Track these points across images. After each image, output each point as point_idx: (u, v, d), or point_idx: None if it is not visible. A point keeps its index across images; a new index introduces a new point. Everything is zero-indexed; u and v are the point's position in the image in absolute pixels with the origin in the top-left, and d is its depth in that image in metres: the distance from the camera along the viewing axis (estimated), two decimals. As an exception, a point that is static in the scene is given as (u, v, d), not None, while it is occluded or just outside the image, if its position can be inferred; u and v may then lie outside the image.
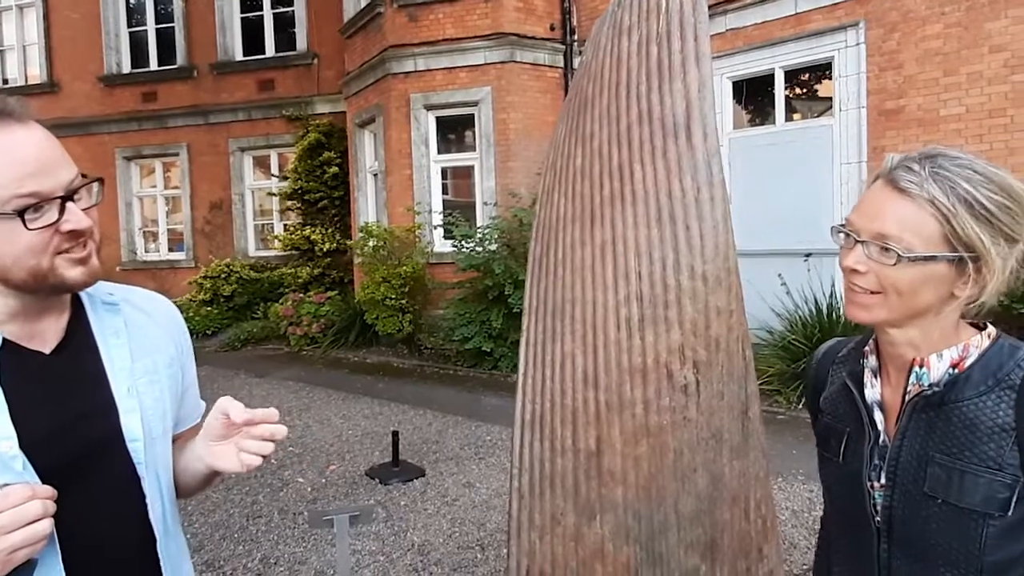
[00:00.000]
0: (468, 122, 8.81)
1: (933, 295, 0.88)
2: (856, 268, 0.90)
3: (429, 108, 8.74)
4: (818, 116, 7.11)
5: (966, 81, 5.81)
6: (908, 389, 0.94)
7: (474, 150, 8.77)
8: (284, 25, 11.88)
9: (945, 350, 0.92)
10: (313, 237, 10.41)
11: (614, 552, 1.11)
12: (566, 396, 1.15)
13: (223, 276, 10.75)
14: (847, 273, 0.92)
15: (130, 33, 12.71)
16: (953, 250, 0.85)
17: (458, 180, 9.30)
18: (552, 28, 8.73)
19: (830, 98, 6.77)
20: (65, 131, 11.74)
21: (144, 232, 12.91)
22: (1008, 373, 0.87)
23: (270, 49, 11.94)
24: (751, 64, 7.14)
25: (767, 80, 7.13)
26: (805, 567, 3.02)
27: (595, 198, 1.19)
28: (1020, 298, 4.71)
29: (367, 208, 9.76)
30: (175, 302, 1.14)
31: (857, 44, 6.36)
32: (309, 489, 4.27)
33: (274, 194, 11.61)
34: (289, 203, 11.07)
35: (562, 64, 8.80)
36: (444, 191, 9.08)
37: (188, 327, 1.11)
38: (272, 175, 11.88)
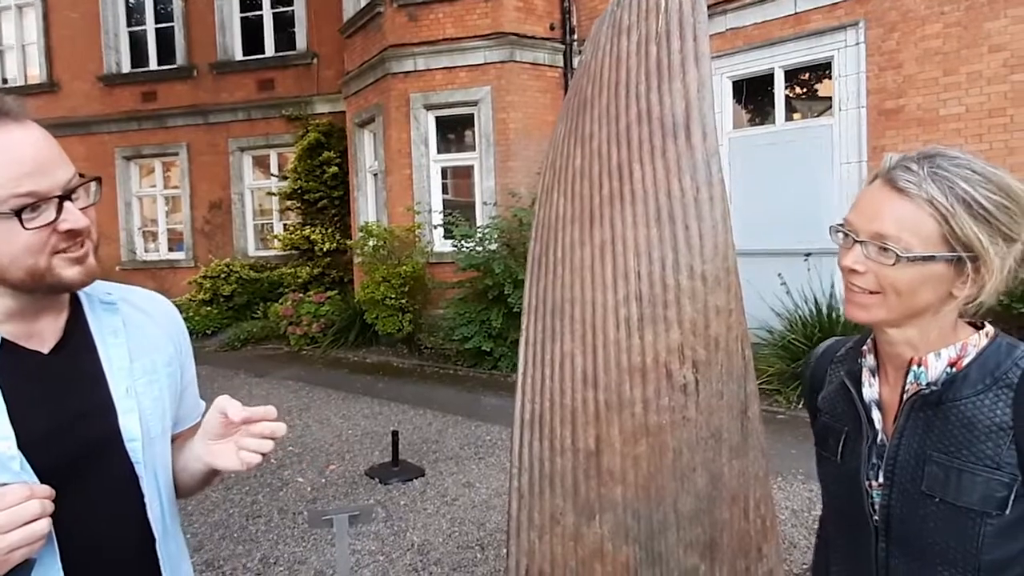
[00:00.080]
0: (468, 122, 8.81)
1: (932, 295, 0.88)
2: (855, 268, 0.90)
3: (429, 108, 8.74)
4: (818, 116, 7.11)
5: (966, 81, 5.81)
6: (906, 388, 0.94)
7: (474, 150, 8.77)
8: (284, 25, 11.87)
9: (943, 349, 0.92)
10: (313, 237, 10.41)
11: (613, 552, 1.11)
12: (565, 396, 1.15)
13: (223, 276, 10.75)
14: (846, 273, 0.92)
15: (129, 33, 12.70)
16: (952, 250, 0.85)
17: (458, 180, 9.30)
18: (552, 28, 8.73)
19: (830, 98, 6.77)
20: (65, 131, 11.74)
21: (144, 232, 12.91)
22: (1006, 372, 0.88)
23: (270, 49, 11.94)
24: (751, 64, 7.14)
25: (767, 80, 7.13)
26: (805, 566, 3.02)
27: (594, 198, 1.19)
28: (1020, 298, 4.72)
29: (367, 208, 9.76)
30: (175, 302, 1.14)
31: (857, 44, 6.36)
32: (309, 489, 4.28)
33: (274, 194, 11.61)
34: (289, 203, 11.07)
35: (562, 64, 8.80)
36: (444, 191, 9.08)
37: (188, 327, 1.11)
38: (272, 175, 11.88)
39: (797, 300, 6.13)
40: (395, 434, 4.51)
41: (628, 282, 1.12)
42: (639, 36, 1.21)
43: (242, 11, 12.00)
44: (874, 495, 0.96)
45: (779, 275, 6.21)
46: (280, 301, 10.00)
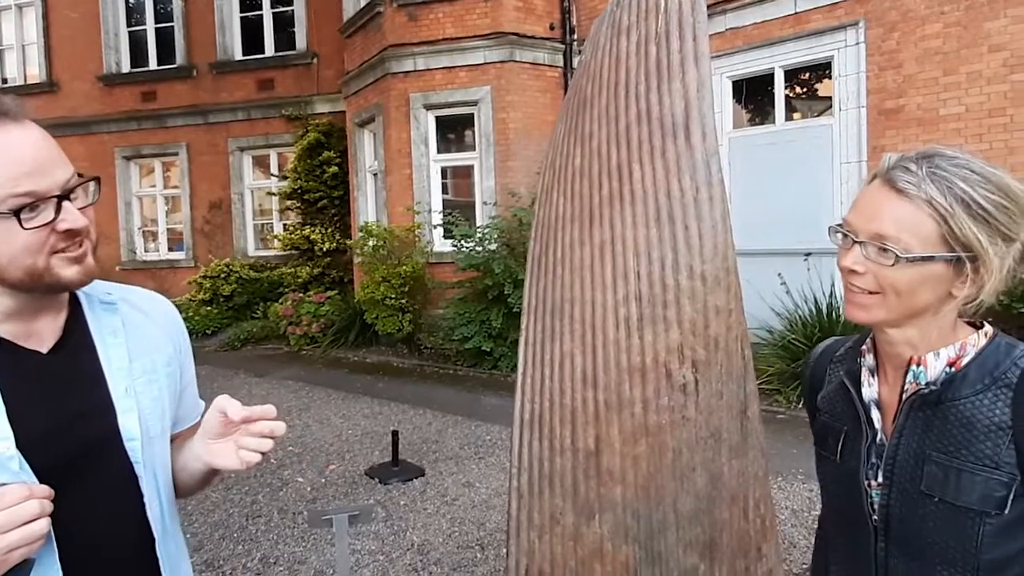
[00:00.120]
0: (468, 121, 8.81)
1: (931, 295, 0.88)
2: (854, 269, 0.90)
3: (429, 107, 8.74)
4: (818, 115, 7.11)
5: (965, 80, 5.81)
6: (905, 388, 0.94)
7: (474, 149, 8.77)
8: (283, 24, 11.87)
9: (942, 349, 0.92)
10: (313, 237, 10.41)
11: (613, 551, 1.11)
12: (565, 395, 1.15)
13: (223, 276, 10.75)
14: (845, 273, 0.92)
15: (129, 32, 12.70)
16: (951, 250, 0.85)
17: (458, 179, 9.30)
18: (552, 27, 8.72)
19: (830, 97, 6.77)
20: (64, 131, 11.74)
21: (143, 232, 12.91)
22: (1005, 372, 0.88)
23: (269, 49, 11.94)
24: (751, 63, 7.14)
25: (767, 79, 7.13)
26: (804, 566, 3.02)
27: (594, 198, 1.19)
28: (1020, 297, 4.72)
29: (367, 208, 9.76)
30: (175, 302, 1.14)
31: (857, 43, 6.36)
32: (309, 489, 4.28)
33: (273, 194, 11.61)
34: (289, 203, 11.07)
35: (561, 63, 8.80)
36: (444, 191, 9.08)
37: (188, 327, 1.11)
38: (272, 175, 11.88)
39: (797, 300, 6.13)
40: (395, 434, 4.51)
41: (628, 282, 1.12)
42: (639, 36, 1.21)
43: (242, 11, 12.00)
44: (873, 494, 0.96)
45: (779, 275, 6.21)
46: (280, 301, 10.00)
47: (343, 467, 4.64)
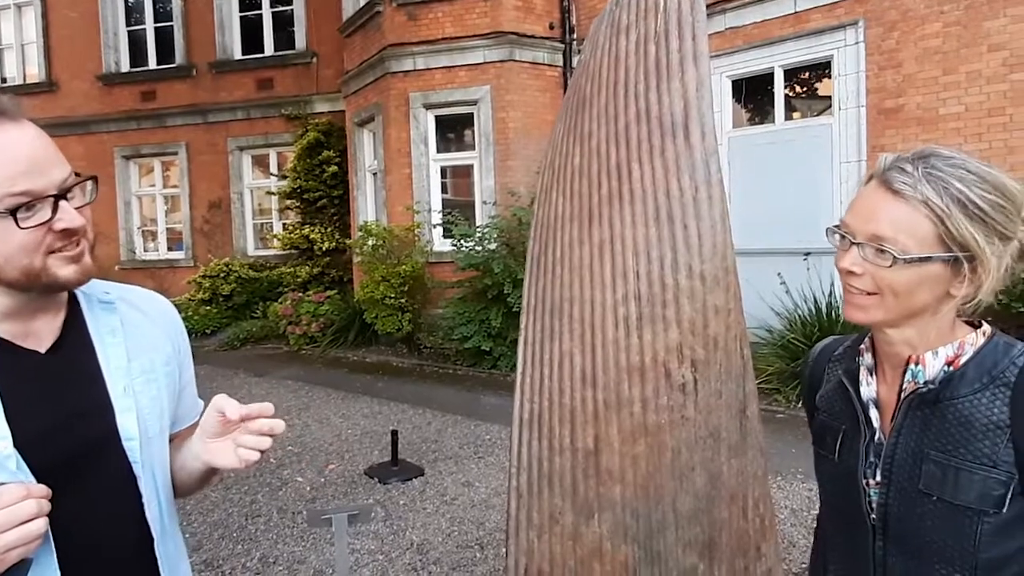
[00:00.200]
0: (467, 121, 8.81)
1: (929, 295, 0.88)
2: (852, 270, 0.90)
3: (428, 107, 8.73)
4: (817, 115, 7.11)
5: (965, 80, 5.81)
6: (904, 387, 0.94)
7: (473, 149, 8.77)
8: (283, 24, 11.87)
9: (941, 348, 0.92)
10: (312, 236, 10.41)
11: (612, 551, 1.11)
12: (564, 395, 1.15)
13: (222, 275, 10.74)
14: (843, 275, 0.93)
15: (129, 32, 12.70)
16: (948, 250, 0.85)
17: (457, 179, 9.30)
18: (551, 27, 8.72)
19: (829, 97, 6.77)
20: (64, 130, 11.74)
21: (143, 231, 12.91)
22: (1003, 371, 0.88)
23: (269, 48, 11.94)
24: (750, 63, 7.14)
25: (766, 79, 7.13)
26: (804, 565, 3.02)
27: (593, 197, 1.19)
28: (1019, 297, 4.72)
29: (366, 207, 9.76)
30: (174, 301, 1.14)
31: (856, 43, 6.36)
32: (308, 488, 4.28)
33: (273, 193, 11.60)
34: (288, 202, 11.07)
35: (561, 63, 8.80)
36: (443, 190, 9.08)
37: (187, 326, 1.11)
38: (271, 174, 11.87)
39: (796, 299, 6.14)
40: (394, 433, 4.51)
41: (627, 281, 1.12)
42: (638, 35, 1.21)
43: (241, 10, 12.00)
44: (871, 493, 0.96)
45: (778, 274, 6.21)
46: (279, 300, 10.00)
47: (342, 467, 4.64)
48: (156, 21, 12.53)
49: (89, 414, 0.88)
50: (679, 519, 1.09)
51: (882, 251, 0.87)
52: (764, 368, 5.62)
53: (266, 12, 11.88)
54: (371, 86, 9.23)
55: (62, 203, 0.81)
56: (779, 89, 7.01)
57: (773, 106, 7.10)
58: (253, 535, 3.61)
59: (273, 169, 11.94)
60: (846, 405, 1.02)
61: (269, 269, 11.12)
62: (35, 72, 12.99)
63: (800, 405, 5.18)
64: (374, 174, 9.66)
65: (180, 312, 1.10)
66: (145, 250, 12.93)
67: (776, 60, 6.94)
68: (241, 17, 12.02)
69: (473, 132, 8.76)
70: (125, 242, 12.62)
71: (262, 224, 12.29)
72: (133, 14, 12.75)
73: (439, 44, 8.53)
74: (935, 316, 0.91)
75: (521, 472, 1.19)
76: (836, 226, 0.94)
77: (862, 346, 1.03)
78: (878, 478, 0.95)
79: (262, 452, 0.90)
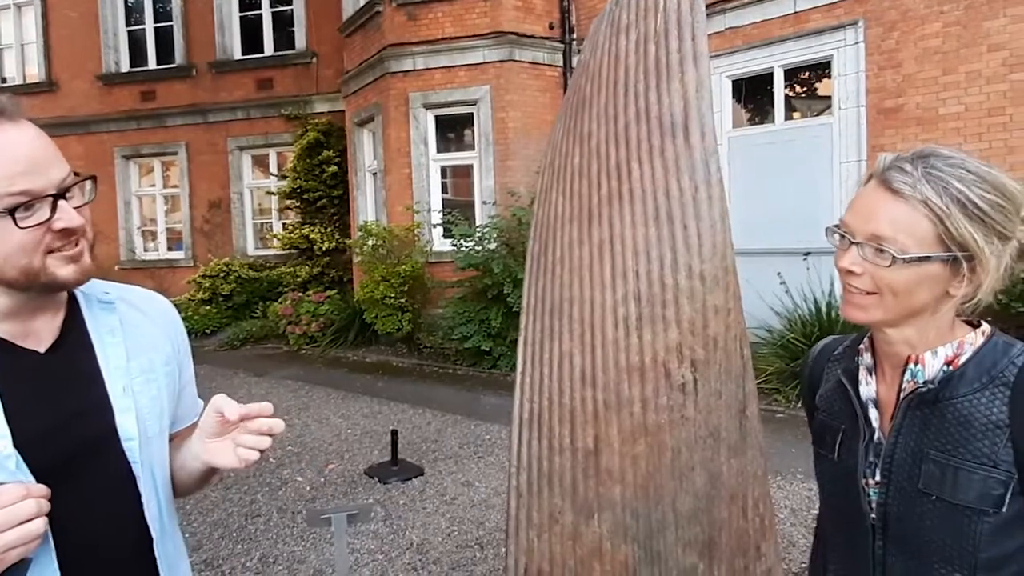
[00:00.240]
0: (467, 121, 8.81)
1: (928, 295, 0.88)
2: (851, 269, 0.90)
3: (428, 107, 8.73)
4: (817, 115, 7.11)
5: (965, 80, 5.81)
6: (903, 386, 0.94)
7: (473, 149, 8.77)
8: (283, 24, 11.87)
9: (940, 347, 0.92)
10: (312, 236, 10.41)
11: (612, 551, 1.11)
12: (564, 395, 1.15)
13: (222, 275, 10.74)
14: (842, 274, 0.93)
15: (128, 32, 12.69)
16: (947, 250, 0.85)
17: (457, 179, 9.29)
18: (551, 27, 8.72)
19: (829, 97, 6.77)
20: (64, 130, 11.74)
21: (143, 231, 12.90)
22: (1002, 370, 0.88)
23: (269, 48, 11.93)
24: (750, 63, 7.14)
25: (766, 79, 7.13)
26: (803, 565, 3.02)
27: (593, 197, 1.19)
28: (1019, 297, 4.72)
29: (366, 207, 9.75)
30: (174, 301, 1.14)
31: (856, 43, 6.36)
32: (308, 488, 4.27)
33: (273, 193, 11.60)
34: (288, 202, 11.07)
35: (561, 63, 8.80)
36: (443, 190, 9.08)
37: (187, 326, 1.11)
38: (271, 174, 11.87)
39: (796, 299, 6.14)
40: (394, 433, 4.51)
41: (627, 281, 1.12)
42: (637, 35, 1.21)
43: (241, 10, 12.00)
44: (871, 493, 0.96)
45: (778, 274, 6.21)
46: (279, 300, 10.00)
47: (342, 466, 4.64)
48: (156, 21, 12.53)
49: (88, 414, 0.88)
50: (679, 519, 1.09)
51: (881, 250, 0.87)
52: (764, 368, 5.62)
53: (266, 12, 11.88)
54: (371, 86, 9.23)
55: (61, 203, 0.81)
56: (779, 89, 7.01)
57: (773, 106, 7.10)
58: (253, 535, 3.61)
59: (273, 169, 11.94)
60: (845, 405, 1.02)
61: (269, 269, 11.12)
62: (35, 72, 12.99)
63: (800, 405, 5.19)
64: (374, 174, 9.66)
65: (180, 312, 1.10)
66: (145, 250, 12.93)
67: (776, 60, 6.93)
68: (241, 17, 12.02)
69: (473, 132, 8.75)
70: (125, 242, 12.62)
71: (262, 224, 12.29)
72: (133, 14, 12.75)
73: (439, 44, 8.53)
74: (934, 316, 0.91)
75: (521, 472, 1.19)
76: (836, 226, 0.94)
77: (861, 346, 1.03)
78: (877, 478, 0.95)
79: (261, 452, 0.90)
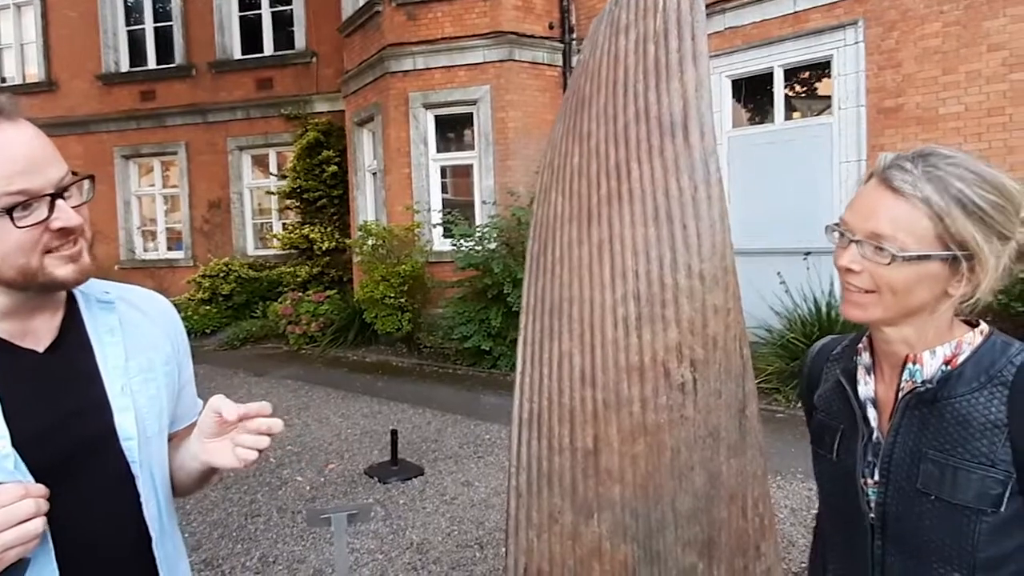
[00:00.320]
0: (467, 121, 8.80)
1: (927, 294, 0.88)
2: (851, 267, 0.90)
3: (428, 107, 8.73)
4: (817, 115, 7.11)
5: (965, 80, 5.81)
6: (901, 386, 0.94)
7: (473, 149, 8.77)
8: (283, 24, 11.86)
9: (938, 347, 0.92)
10: (312, 236, 10.41)
11: (611, 550, 1.11)
12: (564, 395, 1.15)
13: (222, 275, 10.74)
14: (842, 272, 0.93)
15: (128, 32, 12.69)
16: (947, 249, 0.85)
17: (457, 179, 9.29)
18: (551, 27, 8.72)
19: (829, 96, 6.77)
20: (63, 130, 11.74)
21: (143, 231, 12.90)
22: (1000, 370, 0.88)
23: (268, 48, 11.93)
24: (750, 63, 7.14)
25: (766, 79, 7.13)
26: (803, 565, 3.02)
27: (592, 197, 1.19)
28: (1018, 296, 4.72)
29: (366, 207, 9.75)
30: (173, 301, 1.14)
31: (856, 43, 6.36)
32: (308, 488, 4.27)
33: (273, 193, 11.60)
34: (288, 202, 11.07)
35: (561, 63, 8.80)
36: (443, 190, 9.08)
37: (187, 326, 1.11)
38: (271, 174, 11.87)
39: (796, 299, 6.14)
40: (394, 433, 4.51)
41: (626, 281, 1.12)
42: (637, 35, 1.21)
43: (241, 10, 11.99)
44: (870, 493, 0.96)
45: (778, 274, 6.21)
46: (279, 300, 10.00)
47: (342, 466, 4.64)
48: (156, 21, 12.53)
49: (87, 413, 0.88)
50: (678, 518, 1.09)
51: (881, 249, 0.87)
52: (764, 368, 5.62)
53: (265, 12, 11.87)
54: (371, 86, 9.22)
55: (59, 202, 0.81)
56: (779, 89, 7.01)
57: (773, 106, 7.10)
58: (253, 534, 3.61)
59: (273, 169, 11.93)
60: (844, 404, 1.02)
61: (269, 269, 11.11)
62: (34, 72, 12.99)
63: (799, 405, 5.17)
64: (374, 174, 9.66)
65: (180, 312, 1.10)
66: (145, 250, 12.93)
67: (776, 60, 6.93)
68: (240, 17, 12.01)
69: (473, 132, 8.75)
70: (125, 242, 12.62)
71: (262, 224, 12.29)
72: (132, 14, 12.75)
73: (438, 44, 8.53)
74: (933, 315, 0.91)
75: (521, 472, 1.19)
76: (835, 224, 0.94)
77: (860, 345, 1.03)
78: (876, 477, 0.95)
79: (260, 451, 0.90)
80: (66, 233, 0.83)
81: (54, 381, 0.87)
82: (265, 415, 0.90)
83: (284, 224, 11.50)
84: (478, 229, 7.69)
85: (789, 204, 6.74)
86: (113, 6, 12.48)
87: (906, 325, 0.92)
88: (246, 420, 0.89)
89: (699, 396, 1.09)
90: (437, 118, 8.85)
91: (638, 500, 1.10)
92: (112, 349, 0.93)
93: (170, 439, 1.01)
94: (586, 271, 1.16)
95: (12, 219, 0.78)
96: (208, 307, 10.60)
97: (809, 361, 1.16)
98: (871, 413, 0.99)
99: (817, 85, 7.32)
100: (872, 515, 0.95)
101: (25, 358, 0.85)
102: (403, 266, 8.09)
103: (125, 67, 12.64)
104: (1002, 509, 0.85)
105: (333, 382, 7.21)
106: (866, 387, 1.00)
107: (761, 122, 7.41)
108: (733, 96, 7.47)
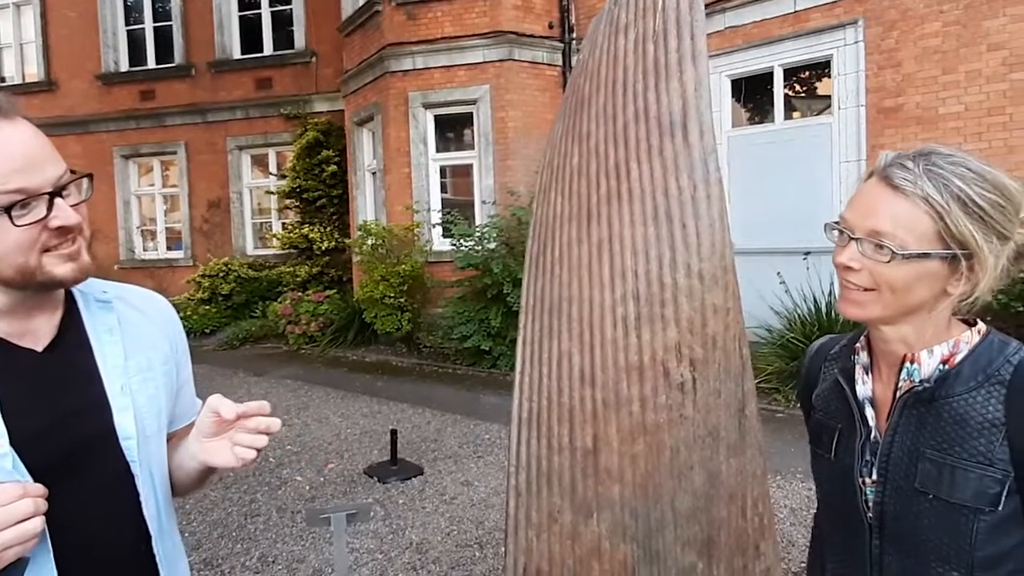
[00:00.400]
0: (467, 120, 8.80)
1: (926, 292, 0.88)
2: (850, 265, 0.90)
3: (427, 106, 8.73)
4: (817, 114, 7.11)
5: (965, 79, 5.81)
6: (899, 385, 0.94)
7: (473, 148, 8.77)
8: (282, 23, 11.86)
9: (936, 346, 0.92)
10: (312, 236, 10.40)
11: (611, 550, 1.11)
12: (563, 394, 1.15)
13: (221, 275, 10.74)
14: (841, 270, 0.92)
15: (128, 31, 12.69)
16: (946, 247, 0.85)
17: (457, 178, 9.29)
18: (550, 26, 8.72)
19: (829, 96, 6.77)
20: (63, 129, 11.74)
21: (142, 231, 12.90)
22: (998, 369, 0.88)
23: (268, 47, 11.93)
24: (750, 62, 7.14)
25: (766, 78, 7.13)
26: (803, 564, 3.02)
27: (592, 196, 1.19)
28: (1018, 296, 4.72)
29: (366, 207, 9.75)
30: (173, 301, 1.14)
31: (856, 42, 6.36)
32: (307, 487, 4.27)
33: (272, 192, 11.60)
34: (287, 202, 11.07)
35: (560, 62, 8.80)
36: (443, 189, 9.08)
37: (186, 326, 1.11)
38: (270, 173, 11.87)
39: (796, 299, 6.14)
40: (394, 433, 4.51)
41: (625, 280, 1.12)
42: (636, 34, 1.21)
43: (240, 10, 11.99)
44: (868, 492, 0.96)
45: (778, 274, 6.21)
46: (279, 300, 10.00)
47: (342, 466, 4.64)
48: (155, 20, 12.52)
49: (86, 413, 0.88)
50: (678, 518, 1.09)
51: (880, 247, 0.87)
52: (763, 367, 5.62)
53: (265, 12, 11.87)
54: (370, 85, 9.22)
55: (57, 200, 0.81)
56: (778, 88, 7.01)
57: (772, 105, 7.10)
58: (252, 534, 3.61)
59: (272, 168, 11.93)
60: (842, 404, 1.02)
61: (268, 269, 11.11)
62: (34, 71, 12.98)
63: (799, 404, 5.17)
64: (373, 173, 9.66)
65: (179, 312, 1.10)
66: (144, 250, 12.93)
67: (775, 59, 6.93)
68: (240, 16, 12.01)
69: (472, 131, 8.75)
70: (124, 242, 12.61)
71: (261, 224, 12.29)
72: (132, 13, 12.74)
73: (438, 43, 8.52)
74: (931, 314, 0.91)
75: (520, 471, 1.18)
76: (835, 222, 0.94)
77: (858, 344, 1.03)
78: (874, 477, 0.95)
79: (259, 450, 0.90)
80: (64, 232, 0.83)
81: (53, 380, 0.86)
82: (264, 414, 0.90)
83: (284, 224, 11.50)
84: (478, 229, 7.69)
85: (789, 204, 6.74)
86: (113, 6, 12.47)
87: (904, 324, 0.92)
88: (244, 419, 0.89)
89: (698, 395, 1.09)
90: (437, 118, 8.85)
91: (637, 499, 1.10)
92: (111, 348, 0.92)
93: (169, 439, 1.01)
94: (585, 271, 1.16)
95: (10, 218, 0.78)
96: (208, 307, 10.60)
97: (807, 361, 1.16)
98: (869, 412, 0.99)
99: (817, 85, 7.32)
100: (870, 514, 0.95)
101: (24, 357, 0.85)
102: (403, 266, 8.09)
103: (124, 67, 12.64)
104: (1000, 508, 0.85)
105: (333, 382, 7.21)
106: (864, 386, 1.00)
107: (761, 122, 7.41)
108: (733, 96, 7.47)
